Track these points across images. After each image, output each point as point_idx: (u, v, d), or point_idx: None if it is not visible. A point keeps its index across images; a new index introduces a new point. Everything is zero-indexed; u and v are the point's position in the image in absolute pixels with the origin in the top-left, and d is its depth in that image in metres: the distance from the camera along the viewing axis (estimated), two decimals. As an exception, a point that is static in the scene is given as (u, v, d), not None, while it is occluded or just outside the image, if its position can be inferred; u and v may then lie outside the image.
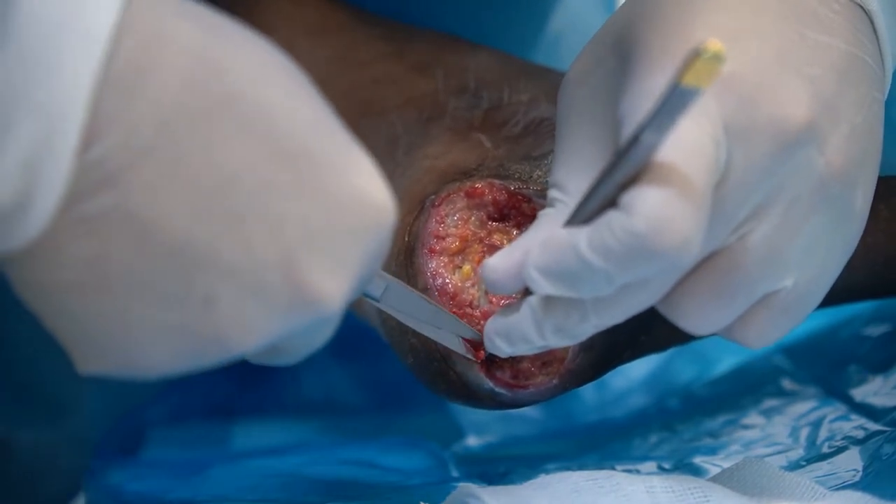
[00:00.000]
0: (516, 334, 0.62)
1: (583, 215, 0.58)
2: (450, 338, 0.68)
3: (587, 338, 0.68)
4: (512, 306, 0.62)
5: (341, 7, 0.91)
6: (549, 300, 0.60)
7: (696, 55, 0.51)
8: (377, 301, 0.67)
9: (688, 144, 0.57)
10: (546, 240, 0.59)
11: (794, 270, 0.61)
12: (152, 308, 0.53)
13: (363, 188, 0.55)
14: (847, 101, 0.61)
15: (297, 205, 0.54)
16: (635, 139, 0.55)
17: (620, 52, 0.62)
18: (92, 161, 0.51)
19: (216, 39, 0.54)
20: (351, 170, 0.55)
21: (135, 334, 0.54)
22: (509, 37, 1.02)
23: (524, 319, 0.61)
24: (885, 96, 0.64)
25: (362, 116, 0.82)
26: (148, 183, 0.52)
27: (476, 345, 0.68)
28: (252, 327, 0.54)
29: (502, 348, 0.63)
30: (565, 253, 0.58)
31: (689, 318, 0.61)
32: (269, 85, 0.54)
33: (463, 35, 0.89)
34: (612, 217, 0.57)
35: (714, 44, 0.51)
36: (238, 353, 0.55)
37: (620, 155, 0.56)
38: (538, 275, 0.59)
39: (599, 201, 0.58)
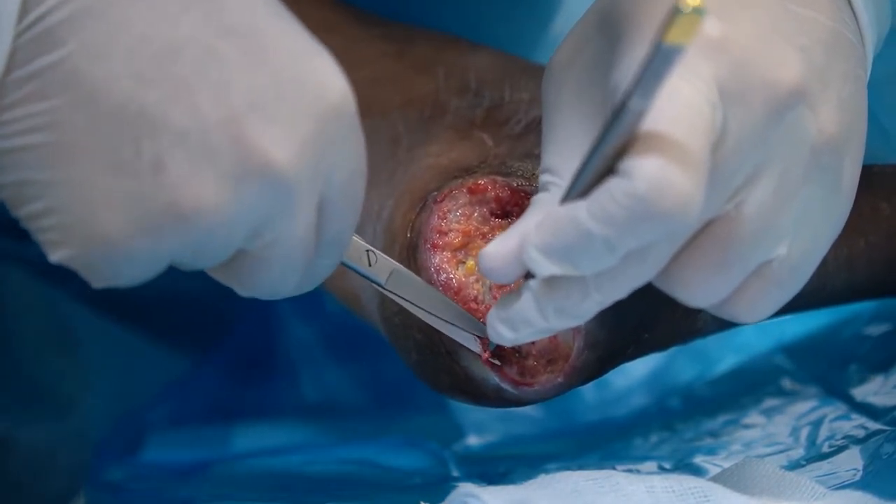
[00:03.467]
0: (519, 319, 0.61)
1: (577, 190, 0.58)
2: (455, 328, 0.68)
3: (592, 337, 0.69)
4: (512, 293, 0.62)
5: (342, 7, 0.91)
6: (549, 281, 0.60)
7: (676, 11, 0.51)
8: (382, 286, 0.67)
9: (683, 105, 0.57)
10: (543, 219, 0.59)
11: (787, 240, 0.61)
12: (106, 175, 0.55)
13: (316, 71, 0.57)
14: (835, 73, 0.61)
15: (244, 76, 0.56)
16: (623, 105, 0.55)
17: (607, 29, 0.62)
18: (33, 19, 0.53)
19: None
20: (303, 52, 0.57)
21: (92, 203, 0.55)
22: (510, 37, 1.02)
23: (525, 303, 0.61)
24: (868, 73, 0.65)
25: (363, 116, 0.82)
26: (90, 43, 0.54)
27: (483, 341, 0.68)
28: (203, 193, 0.55)
29: (505, 335, 0.62)
30: (565, 227, 0.58)
31: (686, 288, 0.61)
32: None
33: (463, 35, 0.89)
34: (611, 184, 0.56)
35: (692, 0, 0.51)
36: (199, 226, 0.55)
37: (609, 124, 0.56)
38: (538, 254, 0.59)
39: (593, 174, 0.57)
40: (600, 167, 0.57)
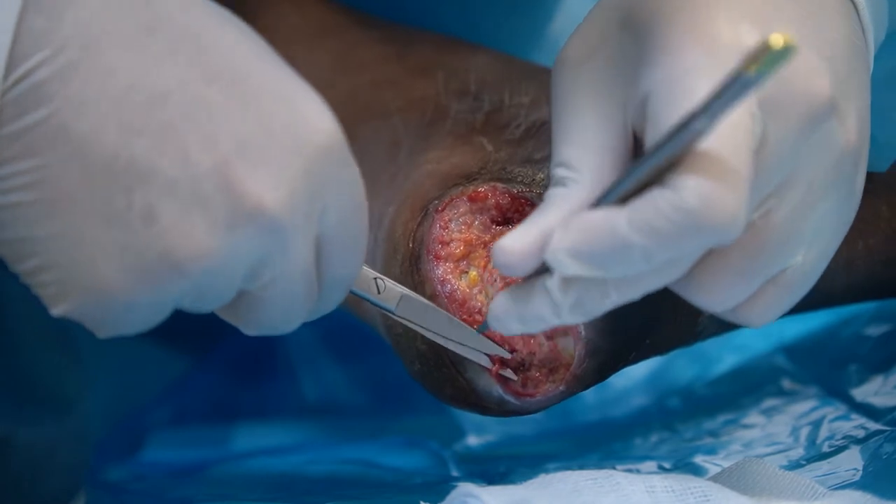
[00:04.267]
0: (531, 315, 0.61)
1: (615, 196, 0.58)
2: (468, 349, 0.69)
3: (593, 345, 0.69)
4: (522, 286, 0.61)
5: (341, 10, 0.91)
6: (568, 280, 0.59)
7: (765, 47, 0.51)
8: (393, 313, 0.67)
9: (731, 121, 0.56)
10: (574, 221, 0.58)
11: (805, 248, 0.61)
12: (99, 228, 0.55)
13: (304, 112, 0.57)
14: (854, 84, 0.62)
15: (232, 121, 0.56)
16: (686, 124, 0.55)
17: (632, 27, 0.62)
18: (19, 76, 0.54)
19: None
20: (290, 95, 0.57)
21: (87, 256, 0.55)
22: (510, 39, 1.02)
23: (541, 300, 0.60)
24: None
25: (364, 120, 0.82)
26: (77, 97, 0.54)
27: (492, 357, 0.69)
28: (196, 241, 0.55)
29: (512, 328, 0.62)
30: (601, 234, 0.57)
31: (706, 295, 0.60)
32: (199, 16, 0.57)
33: (463, 37, 0.89)
34: (657, 195, 0.56)
35: (784, 37, 0.51)
36: (194, 273, 0.55)
37: (668, 139, 0.56)
38: (567, 257, 0.58)
39: (635, 183, 0.57)
40: (645, 176, 0.57)
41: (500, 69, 0.82)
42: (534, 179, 0.71)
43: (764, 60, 0.51)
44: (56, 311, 0.56)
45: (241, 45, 0.57)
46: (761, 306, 0.62)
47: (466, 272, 0.71)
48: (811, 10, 0.62)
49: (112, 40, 0.55)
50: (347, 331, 1.04)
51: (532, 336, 0.69)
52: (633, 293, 0.59)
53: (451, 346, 0.69)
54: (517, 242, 0.60)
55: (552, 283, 0.60)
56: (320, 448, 0.96)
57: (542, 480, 0.65)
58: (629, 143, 0.61)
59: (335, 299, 0.62)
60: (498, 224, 0.71)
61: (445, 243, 0.71)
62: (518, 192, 0.71)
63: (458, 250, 0.71)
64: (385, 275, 0.68)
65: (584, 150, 0.61)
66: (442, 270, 0.70)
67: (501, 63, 0.84)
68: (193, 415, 1.01)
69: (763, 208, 0.60)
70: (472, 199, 0.71)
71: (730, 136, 0.56)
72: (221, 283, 0.57)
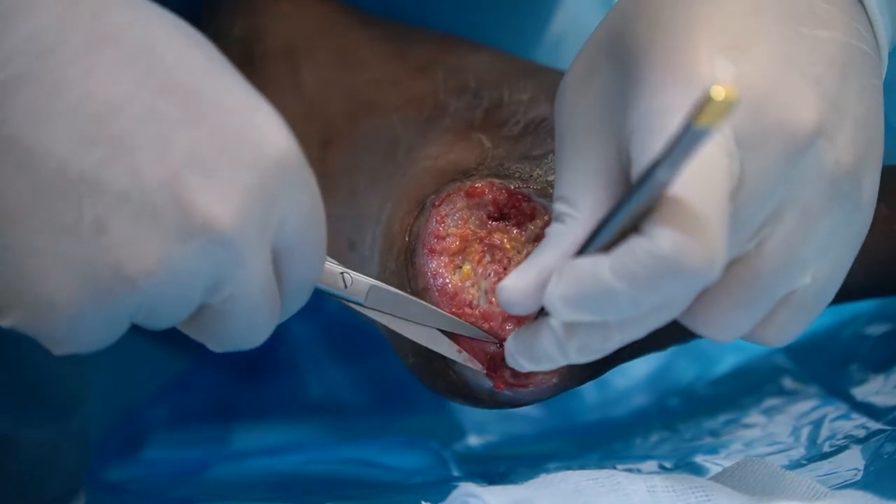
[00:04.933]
0: (540, 355, 0.62)
1: (600, 243, 0.59)
2: (439, 341, 0.68)
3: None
4: (531, 326, 0.62)
5: (342, 9, 0.91)
6: (570, 323, 0.60)
7: (708, 99, 0.51)
8: (362, 304, 0.67)
9: (704, 161, 0.57)
10: (566, 269, 0.59)
11: (811, 269, 0.61)
12: (49, 240, 0.54)
13: (257, 126, 0.56)
14: (850, 94, 0.61)
15: (183, 133, 0.55)
16: (648, 175, 0.55)
17: (619, 57, 0.62)
18: None
19: None
20: (243, 108, 0.57)
21: (36, 268, 0.54)
22: (510, 37, 1.02)
23: (547, 342, 0.61)
24: (882, 79, 0.65)
25: (363, 117, 0.82)
26: (28, 108, 0.54)
27: (475, 345, 0.69)
28: (147, 254, 0.54)
29: (525, 366, 0.63)
30: (588, 282, 0.58)
31: (712, 328, 0.61)
32: (152, 29, 0.56)
33: (463, 34, 0.89)
34: (634, 243, 0.57)
35: (725, 90, 0.51)
36: (145, 287, 0.55)
37: (634, 189, 0.56)
38: (562, 304, 0.59)
39: (616, 229, 0.58)
40: (624, 222, 0.58)
41: (499, 67, 0.82)
42: (531, 175, 0.71)
43: (709, 113, 0.51)
44: (3, 322, 0.55)
45: (194, 57, 0.57)
46: (776, 328, 0.62)
47: (460, 266, 0.71)
48: (800, 20, 0.61)
49: (63, 52, 0.54)
50: (348, 330, 1.04)
51: (520, 325, 0.69)
52: (637, 333, 0.60)
53: (423, 342, 0.68)
54: (518, 283, 0.61)
55: (555, 323, 0.61)
56: (320, 448, 0.96)
57: (543, 480, 0.65)
58: (625, 175, 0.61)
59: (297, 304, 0.62)
60: (495, 220, 0.71)
61: (441, 238, 0.71)
62: (515, 188, 0.71)
63: (454, 245, 0.71)
64: (382, 269, 0.68)
65: (580, 185, 0.62)
66: (436, 264, 0.70)
67: (501, 61, 0.84)
68: (193, 414, 1.01)
69: (756, 238, 0.60)
70: (468, 195, 0.71)
71: (703, 179, 0.56)
72: (175, 298, 0.56)
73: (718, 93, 0.51)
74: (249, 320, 0.59)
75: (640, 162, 0.58)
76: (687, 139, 0.53)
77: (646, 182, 0.56)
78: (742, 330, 0.61)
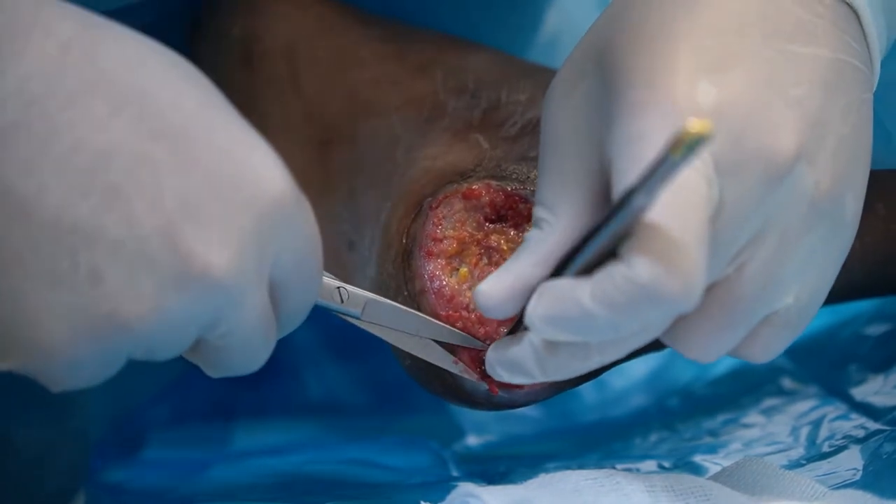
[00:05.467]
0: (518, 369, 0.62)
1: (580, 263, 0.59)
2: (435, 352, 0.68)
3: None
4: (514, 339, 0.63)
5: (341, 8, 0.91)
6: (551, 342, 0.61)
7: (684, 133, 0.52)
8: (359, 318, 0.67)
9: (682, 188, 0.56)
10: (546, 290, 0.59)
11: (793, 288, 0.61)
12: (44, 287, 0.54)
13: (251, 166, 0.56)
14: (834, 113, 0.60)
15: (177, 179, 0.55)
16: (626, 201, 0.55)
17: (603, 67, 0.61)
18: None
19: (88, 30, 0.55)
20: (236, 148, 0.56)
21: (31, 315, 0.54)
22: (508, 37, 1.02)
23: (527, 358, 0.62)
24: (874, 90, 0.64)
25: (363, 117, 0.82)
26: (20, 157, 0.53)
27: (472, 351, 0.69)
28: (143, 302, 0.54)
29: (504, 377, 0.64)
30: (568, 305, 0.58)
31: (693, 350, 0.61)
32: (144, 71, 0.56)
33: (461, 34, 0.89)
34: (614, 269, 0.57)
35: (699, 124, 0.51)
36: (141, 332, 0.55)
37: (612, 213, 0.57)
38: (541, 323, 0.59)
39: (596, 250, 0.58)
40: (604, 246, 0.58)
41: (498, 67, 0.82)
42: (528, 177, 0.72)
43: (685, 145, 0.52)
44: (1, 366, 0.55)
45: (187, 98, 0.56)
46: (759, 346, 0.62)
47: (457, 269, 0.71)
48: (785, 37, 0.60)
49: (55, 99, 0.54)
50: (348, 331, 1.04)
51: None
52: (616, 354, 0.60)
53: (420, 354, 0.68)
54: (494, 288, 0.61)
55: (536, 339, 0.61)
56: (320, 448, 0.96)
57: (542, 480, 0.65)
58: (606, 183, 0.60)
59: (293, 327, 0.62)
60: (492, 222, 0.71)
61: (438, 240, 0.71)
62: (512, 189, 0.71)
63: (451, 247, 0.71)
64: (380, 270, 0.68)
65: (560, 191, 0.62)
66: (432, 266, 0.70)
67: (499, 61, 0.84)
68: (193, 414, 1.01)
69: (736, 262, 0.60)
70: (466, 197, 0.71)
71: (682, 206, 0.56)
72: (172, 339, 0.56)
73: (694, 125, 0.51)
74: (245, 351, 0.59)
75: (619, 187, 0.58)
76: (664, 168, 0.53)
77: (623, 207, 0.56)
78: (723, 351, 0.61)
